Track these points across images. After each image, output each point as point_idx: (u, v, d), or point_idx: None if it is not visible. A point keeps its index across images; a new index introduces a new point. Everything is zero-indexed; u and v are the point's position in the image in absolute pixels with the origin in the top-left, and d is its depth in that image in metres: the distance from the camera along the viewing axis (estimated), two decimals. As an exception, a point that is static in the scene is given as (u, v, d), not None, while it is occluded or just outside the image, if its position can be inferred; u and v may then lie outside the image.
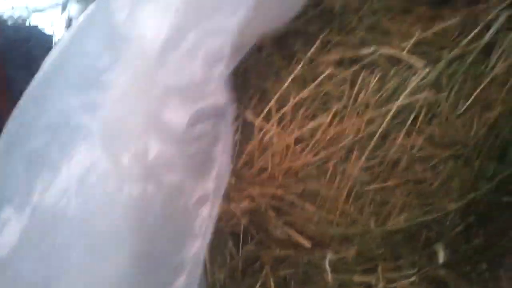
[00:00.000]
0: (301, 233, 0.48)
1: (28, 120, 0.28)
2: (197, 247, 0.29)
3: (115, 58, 0.28)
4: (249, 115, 0.46)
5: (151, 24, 0.28)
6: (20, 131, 0.28)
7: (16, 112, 0.29)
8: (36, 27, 1.62)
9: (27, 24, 1.57)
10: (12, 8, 1.55)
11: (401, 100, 0.41)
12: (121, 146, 0.28)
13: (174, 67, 0.28)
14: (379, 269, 0.43)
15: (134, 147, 0.28)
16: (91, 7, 0.30)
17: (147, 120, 0.28)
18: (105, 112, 0.28)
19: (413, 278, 0.42)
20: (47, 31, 1.66)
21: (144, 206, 0.28)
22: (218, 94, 0.28)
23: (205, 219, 0.29)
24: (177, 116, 0.28)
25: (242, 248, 0.45)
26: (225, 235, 0.46)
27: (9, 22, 1.47)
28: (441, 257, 0.41)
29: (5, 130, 0.29)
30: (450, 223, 0.48)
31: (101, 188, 0.27)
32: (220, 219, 0.46)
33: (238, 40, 0.28)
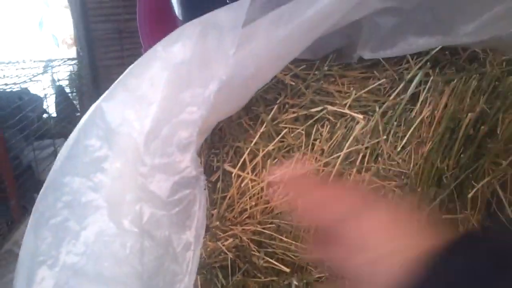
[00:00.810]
0: (281, 261, 0.56)
1: (51, 201, 0.38)
2: (186, 283, 0.38)
3: (111, 149, 0.38)
4: (227, 167, 0.56)
5: (137, 121, 0.38)
6: (45, 210, 0.38)
7: (41, 196, 0.39)
8: (28, 92, 1.75)
9: (19, 89, 1.69)
10: (4, 76, 1.67)
11: (348, 146, 0.50)
12: (121, 214, 0.38)
13: (156, 151, 0.38)
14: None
15: (131, 214, 0.38)
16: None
17: (139, 192, 0.38)
18: (107, 189, 0.37)
19: None
20: (38, 94, 1.79)
21: (142, 256, 0.37)
22: (191, 168, 0.38)
23: (190, 261, 0.38)
24: (162, 187, 0.38)
25: (231, 279, 0.53)
26: (215, 269, 0.55)
27: (3, 90, 1.59)
28: None
29: (34, 210, 0.39)
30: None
31: (109, 247, 0.37)
32: (209, 256, 0.56)
33: (202, 127, 0.38)
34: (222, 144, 0.59)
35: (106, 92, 0.40)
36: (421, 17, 0.43)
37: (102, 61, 1.83)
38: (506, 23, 0.41)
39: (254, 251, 0.56)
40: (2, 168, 1.40)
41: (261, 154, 0.56)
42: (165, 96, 0.39)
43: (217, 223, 0.54)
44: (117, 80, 0.40)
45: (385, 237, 0.30)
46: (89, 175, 0.38)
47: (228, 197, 0.57)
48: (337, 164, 0.53)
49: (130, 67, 0.40)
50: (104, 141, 0.38)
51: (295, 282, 0.51)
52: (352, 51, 0.49)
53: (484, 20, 0.41)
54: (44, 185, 0.39)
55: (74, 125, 0.41)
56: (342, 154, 0.53)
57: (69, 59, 1.93)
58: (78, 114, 1.91)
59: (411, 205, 0.57)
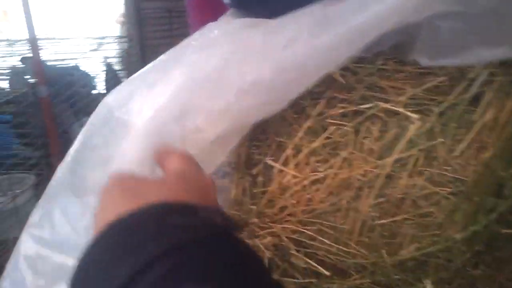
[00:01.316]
0: (321, 263, 0.55)
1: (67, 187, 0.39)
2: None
3: (116, 140, 0.38)
4: (269, 161, 0.54)
5: (140, 110, 0.38)
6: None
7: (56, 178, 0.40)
8: (78, 68, 1.80)
9: (71, 65, 1.75)
10: (56, 52, 1.73)
11: (401, 147, 0.47)
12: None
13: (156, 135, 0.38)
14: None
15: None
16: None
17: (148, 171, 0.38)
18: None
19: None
20: (89, 70, 1.84)
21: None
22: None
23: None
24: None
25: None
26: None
27: (55, 66, 1.65)
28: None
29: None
30: (457, 252, 0.53)
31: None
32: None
33: (236, 121, 0.38)
34: (265, 137, 0.58)
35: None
36: (488, 24, 0.39)
37: (151, 40, 1.86)
38: None
39: (293, 251, 0.55)
40: (52, 143, 1.45)
41: (305, 150, 0.54)
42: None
43: (256, 220, 0.53)
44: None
45: None
46: (102, 166, 0.38)
47: (268, 192, 0.56)
48: (387, 166, 0.51)
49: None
50: (110, 135, 0.39)
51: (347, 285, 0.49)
52: (408, 51, 0.46)
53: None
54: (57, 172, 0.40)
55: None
56: (394, 156, 0.50)
57: (119, 37, 1.97)
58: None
59: (466, 215, 0.54)
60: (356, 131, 0.53)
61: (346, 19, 0.35)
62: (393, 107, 0.50)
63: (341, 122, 0.53)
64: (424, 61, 0.45)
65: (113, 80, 1.95)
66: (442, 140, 0.51)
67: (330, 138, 0.54)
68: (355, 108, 0.52)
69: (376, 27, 0.35)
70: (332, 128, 0.53)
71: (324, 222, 0.56)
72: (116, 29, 2.08)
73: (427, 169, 0.52)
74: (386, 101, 0.51)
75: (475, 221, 0.53)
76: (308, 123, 0.53)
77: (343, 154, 0.53)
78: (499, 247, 0.55)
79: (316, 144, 0.52)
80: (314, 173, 0.55)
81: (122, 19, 1.97)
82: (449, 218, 0.54)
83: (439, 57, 0.44)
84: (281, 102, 0.42)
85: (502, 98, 0.49)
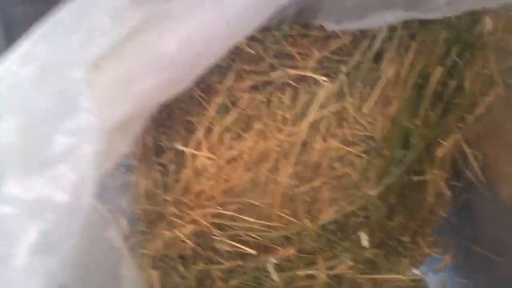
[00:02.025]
0: (246, 243, 0.53)
1: None
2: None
3: None
4: (179, 146, 0.51)
5: None
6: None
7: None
8: None
9: None
10: None
11: (313, 112, 0.47)
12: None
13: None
14: (319, 260, 0.49)
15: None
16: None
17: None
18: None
19: (349, 263, 0.49)
20: None
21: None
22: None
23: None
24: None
25: (192, 269, 0.50)
26: (174, 260, 0.50)
27: None
28: (365, 241, 0.48)
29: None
30: (373, 208, 0.55)
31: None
32: (167, 247, 0.51)
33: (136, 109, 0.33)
34: (171, 120, 0.54)
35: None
36: None
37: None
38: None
39: (215, 235, 0.52)
40: None
41: (216, 128, 0.51)
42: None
43: (173, 209, 0.49)
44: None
45: None
46: None
47: (182, 179, 0.53)
48: (302, 133, 0.50)
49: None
50: None
51: (272, 260, 0.48)
52: (313, 16, 0.45)
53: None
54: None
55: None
56: (307, 121, 0.50)
57: None
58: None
59: (378, 170, 0.56)
60: (268, 102, 0.51)
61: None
62: (302, 73, 0.49)
63: (251, 95, 0.51)
64: (330, 26, 0.44)
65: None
66: (351, 100, 0.52)
67: (242, 112, 0.52)
68: (265, 79, 0.50)
69: None
70: (243, 101, 0.51)
71: (244, 200, 0.55)
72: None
73: (339, 130, 0.53)
74: (295, 67, 0.50)
75: (387, 175, 0.56)
76: (217, 99, 0.50)
77: (257, 126, 0.52)
78: (409, 197, 0.58)
79: (227, 120, 0.49)
80: (229, 151, 0.53)
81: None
82: (363, 176, 0.56)
83: (344, 21, 0.43)
84: (187, 79, 0.38)
85: (402, 53, 0.51)
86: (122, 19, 0.33)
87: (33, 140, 0.30)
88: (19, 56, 0.32)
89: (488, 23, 0.47)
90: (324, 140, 0.53)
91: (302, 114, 0.51)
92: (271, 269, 0.48)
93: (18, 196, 0.29)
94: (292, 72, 0.49)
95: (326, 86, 0.50)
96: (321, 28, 0.49)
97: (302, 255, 0.53)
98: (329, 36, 0.51)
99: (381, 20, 0.42)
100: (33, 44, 0.32)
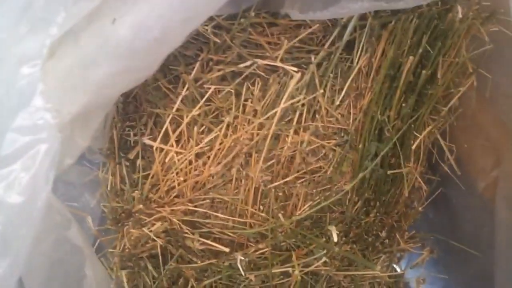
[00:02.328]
0: (218, 241, 0.51)
1: None
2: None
3: None
4: (146, 140, 0.49)
5: None
6: None
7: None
8: None
9: None
10: None
11: (283, 104, 0.45)
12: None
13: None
14: (293, 257, 0.48)
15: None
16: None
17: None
18: None
19: (323, 259, 0.47)
20: None
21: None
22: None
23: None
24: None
25: (163, 269, 0.47)
26: (143, 260, 0.48)
27: None
28: (335, 236, 0.46)
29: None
30: (349, 203, 0.54)
31: None
32: (135, 246, 0.49)
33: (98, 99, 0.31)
34: (139, 114, 0.52)
35: None
36: None
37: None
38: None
39: (187, 233, 0.50)
40: None
41: (185, 122, 0.50)
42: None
43: (141, 206, 0.47)
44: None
45: None
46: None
47: (151, 175, 0.51)
48: (273, 125, 0.49)
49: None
50: None
51: (240, 257, 0.46)
52: (279, 6, 0.44)
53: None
54: None
55: None
56: (277, 113, 0.48)
57: None
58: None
59: (353, 164, 0.55)
60: (237, 93, 0.50)
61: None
62: (271, 63, 0.48)
63: (220, 86, 0.49)
64: (295, 15, 0.43)
65: None
66: (322, 91, 0.50)
67: (211, 104, 0.50)
68: (233, 69, 0.48)
69: None
70: (211, 93, 0.49)
71: (216, 197, 0.53)
72: None
73: (311, 123, 0.52)
74: (264, 57, 0.48)
75: (362, 168, 0.54)
76: (184, 91, 0.48)
77: (227, 119, 0.50)
78: (384, 191, 0.57)
79: (195, 112, 0.48)
80: (198, 146, 0.51)
81: None
82: (338, 170, 0.54)
83: (310, 11, 0.42)
84: (147, 67, 0.37)
85: (373, 43, 0.50)
86: (77, 3, 0.31)
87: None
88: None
89: (459, 11, 0.46)
90: (296, 133, 0.51)
91: (273, 106, 0.50)
92: (240, 266, 0.46)
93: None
94: (261, 62, 0.47)
95: (295, 77, 0.48)
96: (289, 17, 0.47)
97: (277, 252, 0.51)
98: (299, 26, 0.50)
99: (347, 10, 0.40)
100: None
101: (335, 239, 0.46)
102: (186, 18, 0.33)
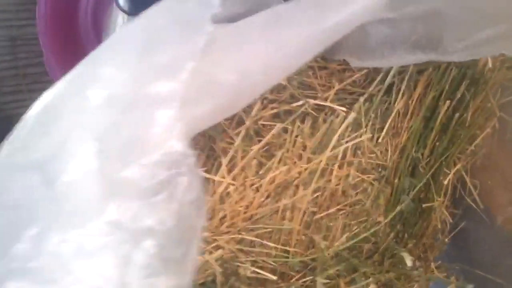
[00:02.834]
0: (265, 269, 0.53)
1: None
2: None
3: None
4: (201, 172, 0.51)
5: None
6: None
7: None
8: None
9: None
10: None
11: (333, 142, 0.49)
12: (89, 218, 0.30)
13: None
14: (341, 284, 0.50)
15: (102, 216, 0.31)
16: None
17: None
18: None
19: (371, 286, 0.50)
20: None
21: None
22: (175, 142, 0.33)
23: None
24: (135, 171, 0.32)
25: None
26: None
27: None
28: (409, 262, 0.49)
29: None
30: (382, 234, 0.57)
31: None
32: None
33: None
34: (194, 147, 0.54)
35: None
36: (413, 30, 0.43)
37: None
38: (497, 46, 0.43)
39: (241, 262, 0.53)
40: None
41: (241, 156, 0.53)
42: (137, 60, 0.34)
43: (205, 234, 0.49)
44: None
45: None
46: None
47: (207, 206, 0.53)
48: (322, 160, 0.52)
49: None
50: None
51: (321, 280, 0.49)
52: (336, 52, 0.49)
53: (475, 40, 0.43)
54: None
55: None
56: (328, 150, 0.52)
57: None
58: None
59: (388, 198, 0.59)
60: (288, 130, 0.53)
61: (314, 20, 0.35)
62: (321, 103, 0.52)
63: (273, 123, 0.53)
64: (355, 62, 0.48)
65: None
66: (365, 129, 0.55)
67: (262, 139, 0.54)
68: (286, 108, 0.52)
69: (347, 25, 0.36)
70: (266, 130, 0.52)
71: (264, 227, 0.55)
72: None
73: (355, 159, 0.55)
74: (315, 97, 0.53)
75: (396, 202, 0.58)
76: (243, 128, 0.51)
77: (278, 154, 0.53)
78: (412, 224, 0.60)
79: (253, 150, 0.51)
80: (251, 179, 0.54)
81: None
82: (375, 203, 0.58)
83: (369, 59, 0.47)
84: (238, 106, 0.40)
85: (410, 87, 0.55)
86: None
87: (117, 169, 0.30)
88: (88, 78, 0.32)
89: (489, 61, 0.52)
90: (341, 167, 0.55)
91: (321, 142, 0.53)
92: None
93: (122, 222, 0.29)
94: (312, 102, 0.51)
95: (344, 117, 0.52)
96: (337, 61, 0.52)
97: (324, 281, 0.54)
98: (345, 69, 0.54)
99: (404, 60, 0.45)
100: (102, 65, 0.32)
101: (410, 264, 0.49)
102: (285, 66, 0.36)
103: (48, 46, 1.25)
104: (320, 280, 0.50)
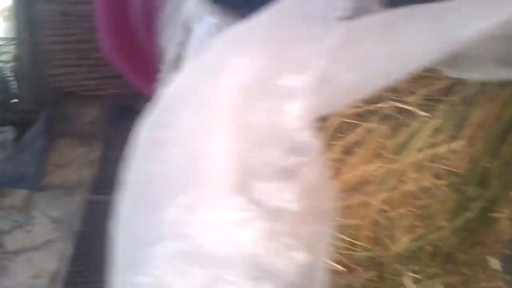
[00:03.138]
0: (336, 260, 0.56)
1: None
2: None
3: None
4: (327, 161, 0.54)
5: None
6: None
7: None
8: None
9: None
10: None
11: (416, 145, 0.51)
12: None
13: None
14: (407, 282, 0.52)
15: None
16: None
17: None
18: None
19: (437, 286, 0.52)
20: None
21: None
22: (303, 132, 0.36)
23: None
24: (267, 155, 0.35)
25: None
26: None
27: None
28: (496, 265, 0.51)
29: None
30: (445, 238, 0.59)
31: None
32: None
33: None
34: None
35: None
36: (506, 46, 0.45)
37: (45, 45, 1.67)
38: None
39: None
40: None
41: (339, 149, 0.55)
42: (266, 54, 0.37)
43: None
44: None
45: None
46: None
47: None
48: (403, 163, 0.54)
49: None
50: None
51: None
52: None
53: None
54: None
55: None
56: (410, 153, 0.54)
57: (7, 39, 1.73)
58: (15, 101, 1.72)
59: (456, 205, 0.60)
60: (371, 130, 0.55)
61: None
62: (405, 106, 0.54)
63: (355, 121, 0.55)
64: (448, 71, 0.49)
65: (1, 85, 1.71)
66: (444, 136, 0.56)
67: (344, 137, 0.56)
68: (370, 108, 0.54)
69: (469, 40, 0.37)
70: (345, 127, 0.55)
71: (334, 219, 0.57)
72: (4, 30, 1.81)
73: (430, 163, 0.57)
74: (398, 101, 0.54)
75: (464, 209, 0.60)
76: (330, 125, 0.54)
77: (358, 152, 0.55)
78: (475, 231, 0.62)
79: (338, 146, 0.53)
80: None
81: (7, 13, 1.72)
82: (442, 208, 0.59)
83: (463, 70, 0.48)
84: (346, 103, 0.42)
85: (491, 99, 0.57)
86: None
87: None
88: (219, 65, 0.35)
89: None
90: (416, 170, 0.57)
91: (400, 144, 0.55)
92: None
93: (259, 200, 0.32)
94: (398, 104, 0.53)
95: (425, 122, 0.54)
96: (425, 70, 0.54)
97: (388, 276, 0.56)
98: (429, 76, 0.56)
99: (494, 75, 0.46)
100: (234, 54, 0.35)
101: (496, 267, 0.51)
102: (398, 71, 0.38)
103: (103, 25, 1.29)
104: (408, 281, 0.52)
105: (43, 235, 1.35)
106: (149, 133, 0.33)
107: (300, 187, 0.33)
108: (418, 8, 0.39)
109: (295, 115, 0.33)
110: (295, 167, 0.33)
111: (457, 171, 0.59)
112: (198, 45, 0.52)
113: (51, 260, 1.28)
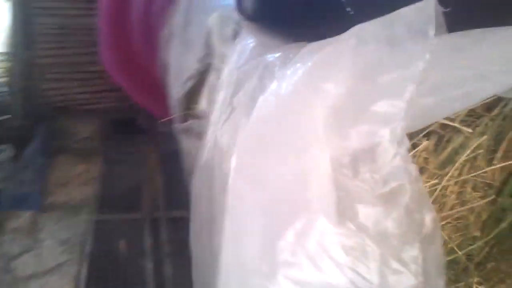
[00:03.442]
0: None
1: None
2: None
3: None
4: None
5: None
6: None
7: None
8: None
9: None
10: None
11: (461, 160, 0.52)
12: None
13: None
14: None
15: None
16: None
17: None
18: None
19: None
20: None
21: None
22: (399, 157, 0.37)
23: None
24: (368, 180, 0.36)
25: None
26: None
27: None
28: None
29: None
30: (478, 248, 0.60)
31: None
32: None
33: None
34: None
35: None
36: None
37: (40, 59, 1.63)
38: None
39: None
40: None
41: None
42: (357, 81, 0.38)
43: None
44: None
45: None
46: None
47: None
48: (449, 177, 0.56)
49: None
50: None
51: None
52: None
53: None
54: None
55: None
56: (454, 168, 0.55)
57: (1, 53, 1.67)
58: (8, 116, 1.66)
59: (490, 215, 0.62)
60: (415, 146, 0.57)
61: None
62: (450, 123, 0.55)
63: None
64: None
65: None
66: (483, 150, 0.58)
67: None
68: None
69: None
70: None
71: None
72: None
73: (471, 177, 0.59)
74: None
75: (496, 219, 0.62)
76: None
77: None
78: (504, 240, 0.64)
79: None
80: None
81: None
82: (477, 219, 0.61)
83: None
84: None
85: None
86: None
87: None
88: (310, 90, 0.35)
89: None
90: (457, 184, 0.58)
91: (443, 161, 0.57)
92: None
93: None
94: (442, 121, 0.55)
95: (467, 137, 0.55)
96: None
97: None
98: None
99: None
100: (325, 80, 0.36)
101: None
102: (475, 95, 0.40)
103: (105, 39, 1.28)
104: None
105: (53, 258, 1.30)
106: (242, 159, 0.33)
107: (401, 210, 0.33)
108: (488, 32, 0.40)
109: (392, 140, 0.34)
110: (394, 190, 0.34)
111: (492, 182, 0.60)
112: (245, 66, 0.52)
113: (66, 285, 1.24)
